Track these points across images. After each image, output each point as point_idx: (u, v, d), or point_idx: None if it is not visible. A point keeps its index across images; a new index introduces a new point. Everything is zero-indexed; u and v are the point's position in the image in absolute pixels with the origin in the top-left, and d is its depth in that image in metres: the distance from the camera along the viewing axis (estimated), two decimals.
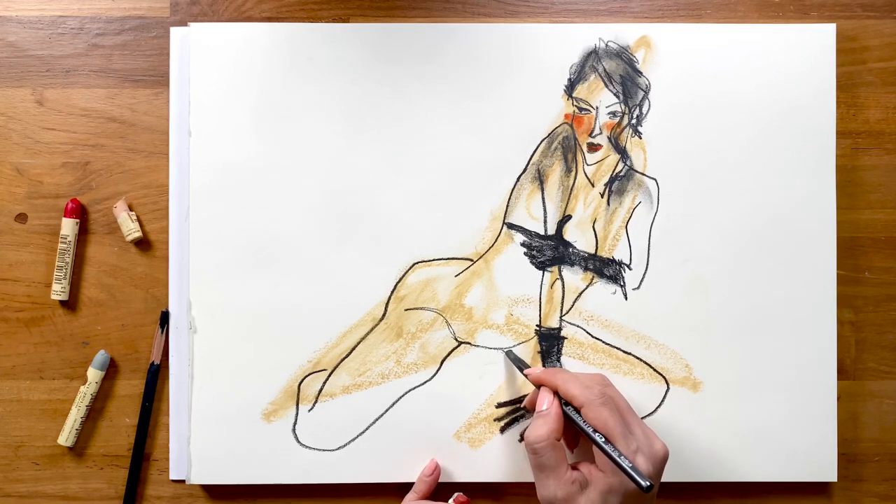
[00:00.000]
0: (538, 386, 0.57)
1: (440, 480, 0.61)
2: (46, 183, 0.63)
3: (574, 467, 0.53)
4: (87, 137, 0.63)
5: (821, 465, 0.62)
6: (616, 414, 0.53)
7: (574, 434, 0.59)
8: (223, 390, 0.61)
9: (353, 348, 0.62)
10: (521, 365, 0.60)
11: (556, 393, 0.55)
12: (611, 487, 0.51)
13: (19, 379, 0.63)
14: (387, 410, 0.62)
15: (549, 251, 0.62)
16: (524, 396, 0.62)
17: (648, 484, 0.49)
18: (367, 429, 0.62)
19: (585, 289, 0.62)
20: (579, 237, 0.62)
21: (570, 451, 0.59)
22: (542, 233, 0.62)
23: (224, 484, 0.62)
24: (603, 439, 0.51)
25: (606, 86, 0.62)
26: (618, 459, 0.50)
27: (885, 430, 0.64)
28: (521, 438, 0.62)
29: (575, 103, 0.62)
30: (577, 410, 0.54)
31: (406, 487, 0.62)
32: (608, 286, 0.62)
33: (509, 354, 0.62)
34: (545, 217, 0.62)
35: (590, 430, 0.52)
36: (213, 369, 0.61)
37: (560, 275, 0.62)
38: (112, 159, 0.63)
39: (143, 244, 0.63)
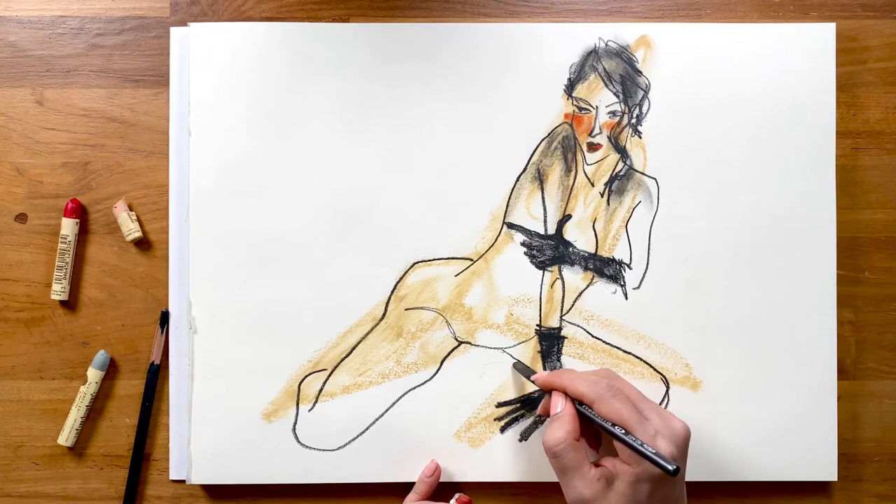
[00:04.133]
0: (547, 391, 0.57)
1: (441, 480, 0.61)
2: (46, 183, 0.63)
3: (597, 464, 0.53)
4: (87, 137, 0.63)
5: (821, 465, 0.62)
6: (628, 403, 0.52)
7: (595, 434, 0.59)
8: (223, 390, 0.61)
9: (354, 348, 0.62)
10: (527, 373, 0.60)
11: (566, 394, 0.55)
12: (638, 477, 0.50)
13: (19, 379, 0.63)
14: (387, 410, 0.62)
15: (549, 251, 0.62)
16: (525, 396, 0.62)
17: (674, 467, 0.48)
18: (367, 429, 0.62)
19: (585, 288, 0.62)
20: (579, 237, 0.62)
21: (595, 452, 0.59)
22: (542, 232, 0.62)
23: (224, 484, 0.62)
24: (621, 431, 0.51)
25: (606, 85, 0.62)
26: (639, 448, 0.49)
27: (885, 430, 0.64)
28: (521, 438, 0.62)
29: (575, 103, 0.62)
30: (590, 407, 0.53)
31: (406, 487, 0.62)
32: (608, 286, 0.62)
33: (516, 366, 0.61)
34: (545, 217, 0.62)
35: (606, 424, 0.52)
36: (213, 369, 0.61)
37: (560, 274, 0.62)
38: (112, 159, 0.63)
39: (143, 244, 0.63)
